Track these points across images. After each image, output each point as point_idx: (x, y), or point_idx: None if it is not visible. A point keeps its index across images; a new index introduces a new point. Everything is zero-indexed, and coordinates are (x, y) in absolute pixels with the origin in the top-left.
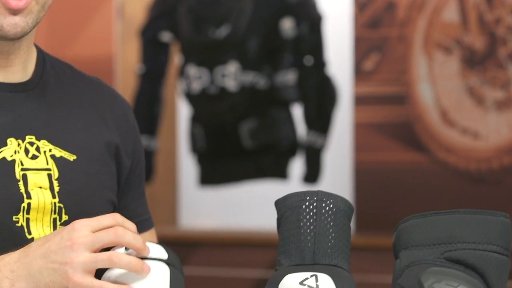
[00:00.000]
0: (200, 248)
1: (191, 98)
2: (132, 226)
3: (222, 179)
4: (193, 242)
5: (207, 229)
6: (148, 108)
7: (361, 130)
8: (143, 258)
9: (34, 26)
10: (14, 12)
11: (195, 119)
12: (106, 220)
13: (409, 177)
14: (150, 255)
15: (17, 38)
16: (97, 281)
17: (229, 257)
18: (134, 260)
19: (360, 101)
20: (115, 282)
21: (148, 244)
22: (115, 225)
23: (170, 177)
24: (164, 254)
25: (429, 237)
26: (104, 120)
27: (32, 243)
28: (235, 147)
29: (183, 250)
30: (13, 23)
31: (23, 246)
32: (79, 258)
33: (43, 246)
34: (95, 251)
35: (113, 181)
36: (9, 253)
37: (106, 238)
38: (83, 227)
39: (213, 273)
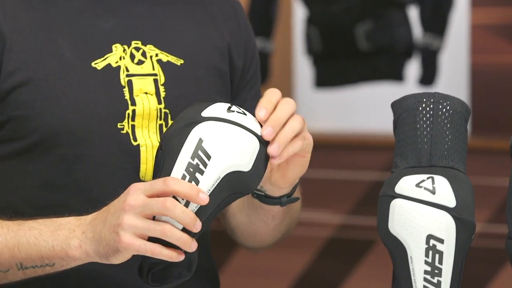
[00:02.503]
0: (315, 150)
1: (307, 0)
2: (185, 189)
3: (337, 81)
4: None
5: (323, 131)
6: (264, 10)
7: (478, 32)
8: (240, 126)
9: None
10: None
11: (311, 21)
12: (157, 184)
13: None
14: (248, 126)
15: None
16: (148, 244)
17: (344, 159)
18: (185, 237)
19: (477, 2)
20: (203, 147)
21: (249, 116)
22: (165, 191)
23: (285, 79)
24: (259, 131)
25: None
26: (215, 21)
27: (105, 207)
28: (351, 49)
29: None
30: None
31: (129, 153)
32: (129, 221)
33: (107, 209)
34: (147, 217)
35: (224, 84)
36: (86, 216)
37: (155, 207)
38: (137, 190)
39: (329, 175)
